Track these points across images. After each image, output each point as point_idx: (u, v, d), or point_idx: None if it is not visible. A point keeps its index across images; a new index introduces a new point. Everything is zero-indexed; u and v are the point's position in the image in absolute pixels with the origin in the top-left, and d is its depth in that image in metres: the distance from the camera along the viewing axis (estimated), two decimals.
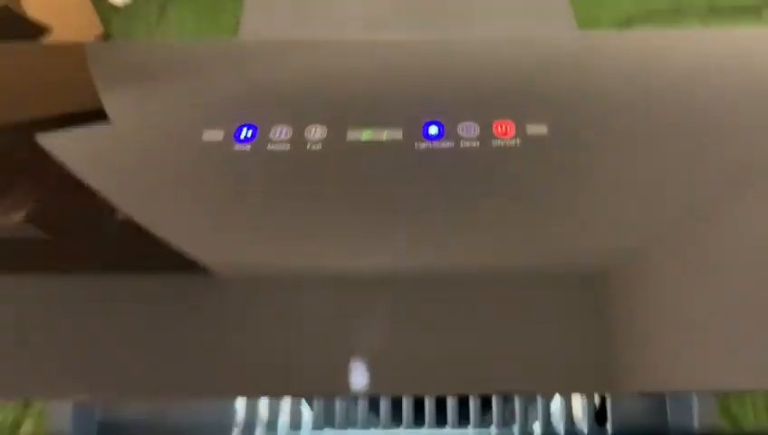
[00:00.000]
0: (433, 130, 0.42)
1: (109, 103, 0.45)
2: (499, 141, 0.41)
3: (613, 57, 0.49)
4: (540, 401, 0.46)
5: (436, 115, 0.43)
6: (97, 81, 0.48)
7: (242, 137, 0.42)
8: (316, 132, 0.43)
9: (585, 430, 0.47)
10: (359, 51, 0.51)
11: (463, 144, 0.41)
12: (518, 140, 0.41)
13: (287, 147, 0.42)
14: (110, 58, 0.51)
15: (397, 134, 0.42)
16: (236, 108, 0.45)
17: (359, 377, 0.33)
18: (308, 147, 0.42)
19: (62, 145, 0.43)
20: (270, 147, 0.42)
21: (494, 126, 0.42)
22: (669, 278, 0.36)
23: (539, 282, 0.36)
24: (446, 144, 0.41)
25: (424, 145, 0.41)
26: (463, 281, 0.36)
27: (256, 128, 0.43)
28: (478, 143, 0.41)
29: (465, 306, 0.35)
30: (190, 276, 0.37)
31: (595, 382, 0.35)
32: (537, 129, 0.42)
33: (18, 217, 0.39)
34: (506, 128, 0.42)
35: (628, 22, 1.17)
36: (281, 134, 0.43)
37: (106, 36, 1.16)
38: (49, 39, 1.06)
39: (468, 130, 0.42)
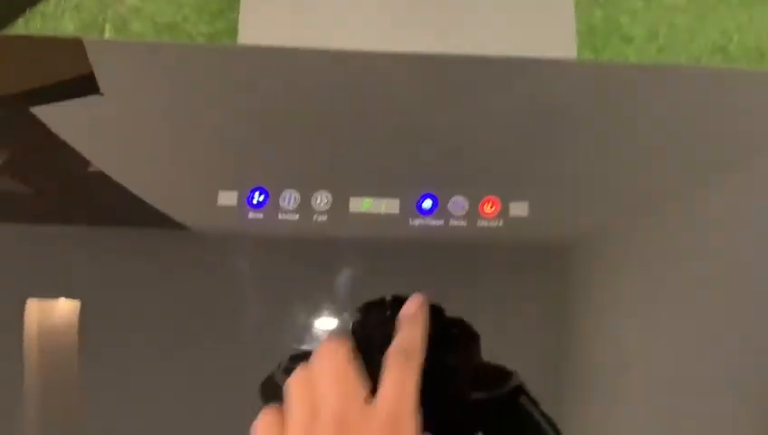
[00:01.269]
0: (427, 204, 0.47)
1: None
2: (484, 222, 0.46)
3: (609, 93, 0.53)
4: None
5: (431, 186, 0.48)
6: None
7: (254, 202, 0.47)
8: (322, 201, 0.47)
9: None
10: (358, 65, 0.54)
11: (452, 223, 0.46)
12: (501, 222, 0.46)
13: (296, 216, 0.47)
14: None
15: (394, 206, 0.47)
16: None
17: None
18: (314, 218, 0.47)
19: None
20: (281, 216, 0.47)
21: (480, 204, 0.47)
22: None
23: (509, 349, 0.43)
24: (436, 222, 0.46)
25: (418, 222, 0.47)
26: None
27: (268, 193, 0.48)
28: (465, 223, 0.46)
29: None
30: None
31: None
32: (519, 208, 0.47)
33: None
34: (493, 205, 0.47)
35: None
36: (290, 201, 0.47)
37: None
38: None
39: (458, 207, 0.47)
